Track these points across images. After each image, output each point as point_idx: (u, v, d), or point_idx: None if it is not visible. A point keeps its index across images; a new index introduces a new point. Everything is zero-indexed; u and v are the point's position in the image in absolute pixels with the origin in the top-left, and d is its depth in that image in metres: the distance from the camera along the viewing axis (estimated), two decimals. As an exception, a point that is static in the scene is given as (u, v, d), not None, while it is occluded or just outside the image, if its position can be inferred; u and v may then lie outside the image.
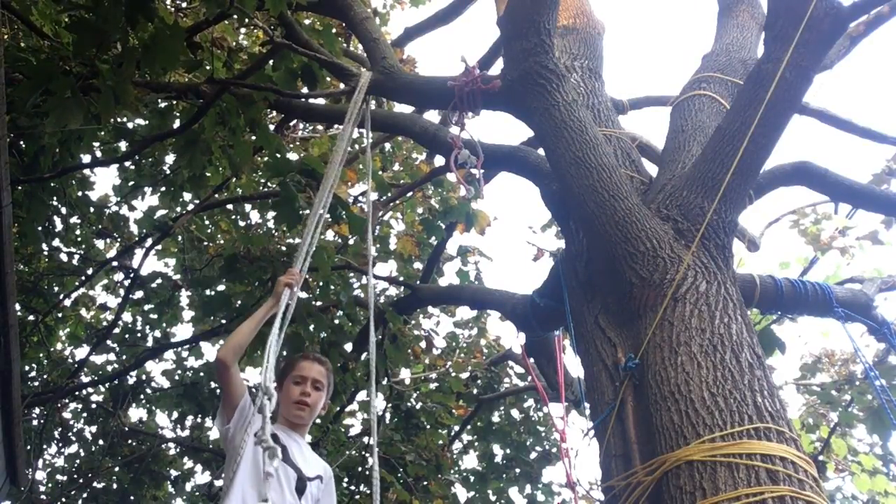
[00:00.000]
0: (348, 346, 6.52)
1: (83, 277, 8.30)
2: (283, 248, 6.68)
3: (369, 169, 3.94)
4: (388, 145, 8.20)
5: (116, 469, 8.86)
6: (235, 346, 2.81)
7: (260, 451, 2.66)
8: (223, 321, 7.15)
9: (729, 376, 2.80)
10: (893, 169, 6.37)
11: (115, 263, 8.22)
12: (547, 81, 3.71)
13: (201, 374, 8.47)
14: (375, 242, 7.44)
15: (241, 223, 7.89)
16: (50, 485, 9.05)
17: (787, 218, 6.96)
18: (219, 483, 8.53)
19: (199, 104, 5.10)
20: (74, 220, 7.91)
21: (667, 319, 3.06)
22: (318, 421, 8.51)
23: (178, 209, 7.48)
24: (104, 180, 42.22)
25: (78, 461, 9.11)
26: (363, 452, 7.87)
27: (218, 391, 8.31)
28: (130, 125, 6.50)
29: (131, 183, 7.77)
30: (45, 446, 8.67)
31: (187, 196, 7.49)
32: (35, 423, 8.36)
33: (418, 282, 7.29)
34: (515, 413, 8.96)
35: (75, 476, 9.05)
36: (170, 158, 7.18)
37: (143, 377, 8.85)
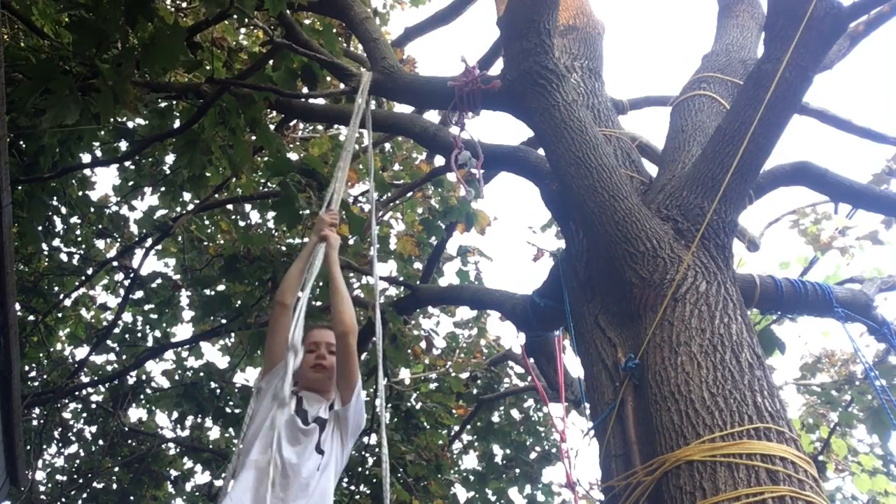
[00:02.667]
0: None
1: (83, 277, 8.30)
2: (283, 248, 6.68)
3: (371, 169, 3.93)
4: (388, 145, 8.20)
5: (116, 469, 8.86)
6: (290, 287, 2.97)
7: (274, 409, 2.72)
8: (223, 321, 7.14)
9: (729, 376, 2.80)
10: (893, 169, 6.36)
11: (115, 263, 8.21)
12: (547, 81, 3.71)
13: (201, 374, 8.47)
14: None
15: (241, 223, 7.89)
16: (50, 485, 9.05)
17: (787, 218, 6.97)
18: (219, 483, 8.54)
19: (199, 104, 5.10)
20: (74, 220, 7.91)
21: (667, 319, 3.06)
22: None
23: (178, 209, 7.47)
24: (104, 180, 42.25)
25: (78, 461, 9.12)
26: (363, 452, 7.86)
27: (218, 391, 8.33)
28: (130, 125, 6.49)
29: (131, 183, 7.76)
30: (45, 446, 8.67)
31: (187, 196, 7.48)
32: (35, 423, 8.36)
33: (418, 282, 7.29)
34: (515, 413, 8.96)
35: (75, 476, 9.05)
36: (170, 158, 7.17)
37: (143, 377, 8.85)
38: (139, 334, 8.60)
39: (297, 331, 2.76)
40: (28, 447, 7.32)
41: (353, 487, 7.89)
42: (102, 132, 6.31)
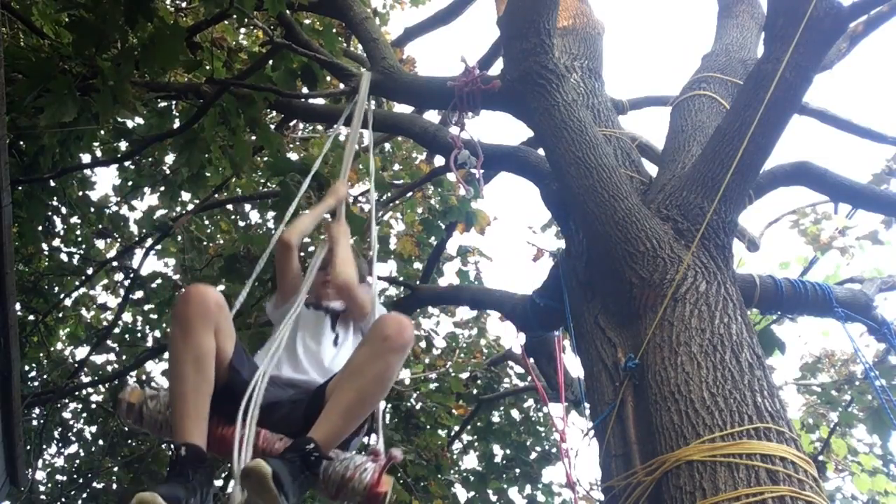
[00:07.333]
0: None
1: (83, 277, 8.30)
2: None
3: (372, 170, 3.91)
4: (387, 145, 8.20)
5: (116, 469, 8.85)
6: (300, 231, 3.15)
7: (295, 330, 2.87)
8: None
9: (729, 376, 2.80)
10: (893, 169, 6.36)
11: (115, 263, 8.21)
12: (547, 81, 3.71)
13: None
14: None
15: (241, 223, 7.88)
16: (50, 485, 9.05)
17: (787, 218, 6.97)
18: (218, 483, 8.54)
19: (199, 104, 5.10)
20: (74, 220, 7.91)
21: (667, 319, 3.06)
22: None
23: (178, 209, 7.47)
24: (104, 180, 42.25)
25: (78, 461, 9.11)
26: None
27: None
28: (130, 125, 6.49)
29: (131, 183, 7.76)
30: (45, 446, 8.66)
31: (187, 196, 7.48)
32: (35, 423, 8.35)
33: (418, 282, 7.29)
34: (515, 413, 8.95)
35: (75, 476, 9.05)
36: (170, 158, 7.18)
37: (143, 377, 8.84)
38: (139, 334, 8.59)
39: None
40: (28, 447, 7.32)
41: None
42: (102, 132, 6.31)
